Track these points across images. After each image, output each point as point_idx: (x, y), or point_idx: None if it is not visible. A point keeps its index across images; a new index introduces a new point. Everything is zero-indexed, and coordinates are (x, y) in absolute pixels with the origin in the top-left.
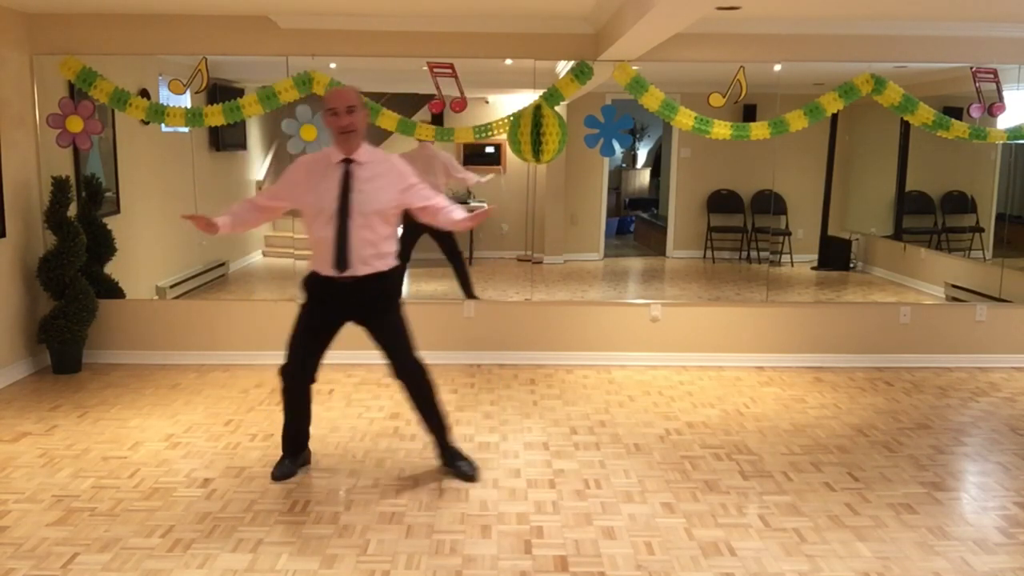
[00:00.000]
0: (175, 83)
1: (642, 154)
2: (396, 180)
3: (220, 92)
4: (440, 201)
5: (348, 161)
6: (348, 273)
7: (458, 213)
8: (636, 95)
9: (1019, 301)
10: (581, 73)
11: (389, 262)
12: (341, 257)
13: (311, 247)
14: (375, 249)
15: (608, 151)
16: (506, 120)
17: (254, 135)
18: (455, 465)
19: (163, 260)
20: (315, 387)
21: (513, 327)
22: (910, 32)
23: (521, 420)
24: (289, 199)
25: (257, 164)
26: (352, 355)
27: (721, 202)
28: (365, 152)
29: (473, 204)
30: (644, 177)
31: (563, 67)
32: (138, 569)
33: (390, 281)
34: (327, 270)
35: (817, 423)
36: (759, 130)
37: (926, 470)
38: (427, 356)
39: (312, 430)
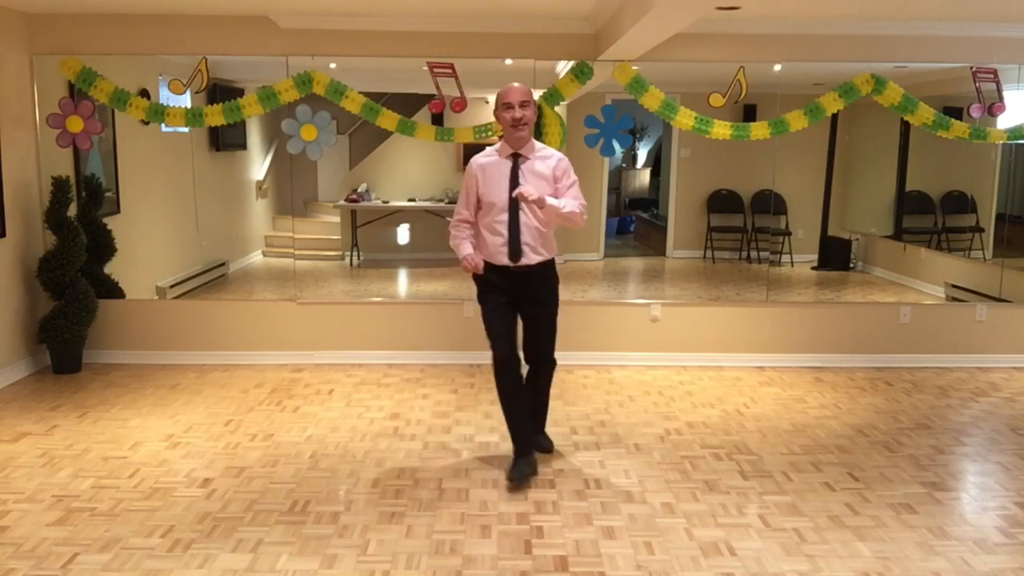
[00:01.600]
0: (175, 83)
1: (642, 154)
2: (556, 173)
3: (220, 92)
4: (580, 205)
5: (516, 155)
6: (522, 262)
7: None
8: (636, 95)
9: (1019, 301)
10: (581, 73)
11: (552, 249)
12: (515, 248)
13: (482, 239)
14: (543, 239)
15: (608, 151)
16: None
17: (254, 135)
18: (536, 439)
19: (163, 260)
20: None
21: None
22: (910, 32)
23: None
24: (475, 199)
25: (257, 164)
26: (352, 355)
27: (721, 202)
28: (531, 147)
29: None
30: (644, 177)
31: (563, 67)
32: (138, 569)
33: (553, 270)
34: (500, 260)
35: (817, 423)
36: (759, 130)
37: (926, 470)
38: (427, 356)
39: (312, 430)
